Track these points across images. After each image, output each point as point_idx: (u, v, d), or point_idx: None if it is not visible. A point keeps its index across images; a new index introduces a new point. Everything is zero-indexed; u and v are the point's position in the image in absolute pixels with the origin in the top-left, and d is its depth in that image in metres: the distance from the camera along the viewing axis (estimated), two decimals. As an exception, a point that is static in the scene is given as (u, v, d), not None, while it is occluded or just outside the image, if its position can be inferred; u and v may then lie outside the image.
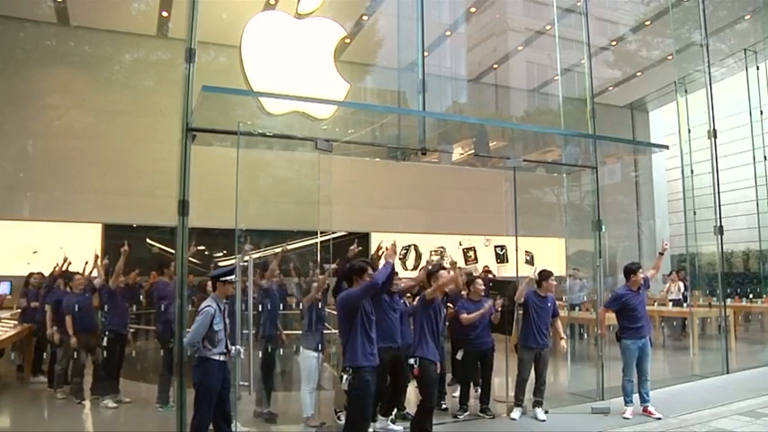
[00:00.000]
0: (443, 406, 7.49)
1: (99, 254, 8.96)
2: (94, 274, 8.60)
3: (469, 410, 7.35)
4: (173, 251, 6.99)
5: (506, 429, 6.94)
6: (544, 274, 7.56)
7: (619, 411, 7.27)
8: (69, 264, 9.09)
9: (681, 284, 14.13)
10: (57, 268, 9.29)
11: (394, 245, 5.35)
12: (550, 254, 13.86)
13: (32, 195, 13.28)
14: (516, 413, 7.22)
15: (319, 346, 6.98)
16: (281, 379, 8.17)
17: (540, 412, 7.20)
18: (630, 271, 7.50)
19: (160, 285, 8.12)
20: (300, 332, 7.34)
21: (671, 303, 13.93)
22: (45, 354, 9.39)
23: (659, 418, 7.06)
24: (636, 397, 7.37)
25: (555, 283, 7.57)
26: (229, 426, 5.54)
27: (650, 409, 7.22)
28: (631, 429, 6.80)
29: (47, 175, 13.23)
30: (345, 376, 4.79)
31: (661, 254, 8.05)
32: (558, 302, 8.23)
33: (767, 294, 15.43)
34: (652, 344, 7.51)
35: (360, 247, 7.60)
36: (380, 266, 5.18)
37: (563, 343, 7.70)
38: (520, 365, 7.32)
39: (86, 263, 8.83)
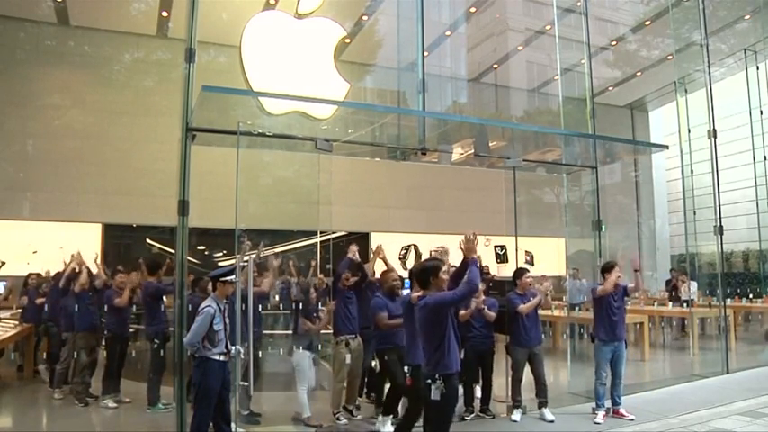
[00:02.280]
0: None
1: (98, 253, 8.93)
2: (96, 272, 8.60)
3: (475, 411, 7.33)
4: (172, 251, 7.00)
5: (507, 429, 6.94)
6: (517, 273, 7.50)
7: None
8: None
9: (694, 283, 13.88)
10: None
11: (474, 235, 4.93)
12: (550, 254, 13.88)
13: (32, 195, 13.29)
14: (517, 415, 7.18)
15: (312, 345, 6.98)
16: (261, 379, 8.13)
17: (547, 413, 7.15)
18: (604, 269, 7.40)
19: (147, 286, 8.08)
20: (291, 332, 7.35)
21: (686, 304, 13.74)
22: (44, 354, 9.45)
23: (632, 420, 7.02)
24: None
25: (530, 280, 7.37)
26: (229, 426, 5.54)
27: (621, 410, 7.15)
28: (631, 429, 6.80)
29: (47, 175, 13.24)
30: (435, 385, 4.44)
31: (636, 270, 7.50)
32: (557, 302, 8.21)
33: (767, 294, 15.43)
34: (626, 347, 7.44)
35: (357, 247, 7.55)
36: (466, 267, 4.74)
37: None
38: (513, 365, 7.30)
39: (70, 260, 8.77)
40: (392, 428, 6.29)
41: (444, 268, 4.84)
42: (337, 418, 6.90)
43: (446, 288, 4.74)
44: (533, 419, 7.18)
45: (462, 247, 4.79)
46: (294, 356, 6.95)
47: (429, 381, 4.46)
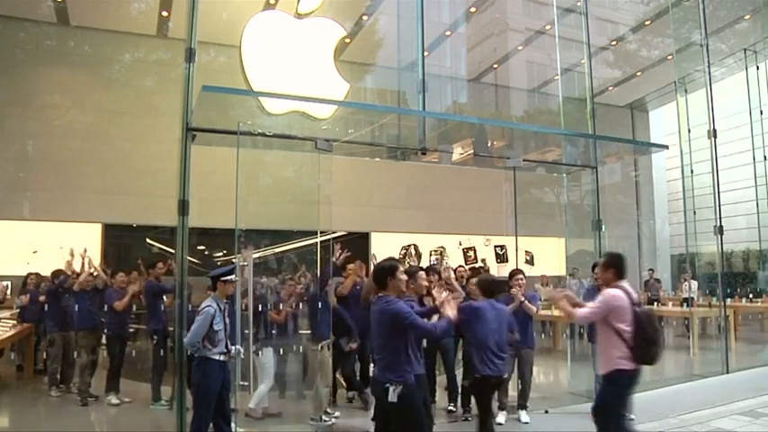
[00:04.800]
0: (450, 407, 7.46)
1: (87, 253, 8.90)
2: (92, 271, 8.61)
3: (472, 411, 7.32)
4: (173, 251, 7.00)
5: (508, 430, 6.93)
6: (510, 274, 7.45)
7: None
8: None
9: (694, 283, 13.97)
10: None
11: (445, 283, 4.98)
12: (550, 254, 13.88)
13: (32, 195, 13.29)
14: (501, 417, 7.13)
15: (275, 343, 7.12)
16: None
17: (523, 414, 7.10)
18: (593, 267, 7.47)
19: (147, 285, 8.12)
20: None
21: (685, 303, 13.81)
22: (45, 353, 9.47)
23: (632, 420, 7.03)
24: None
25: (523, 282, 7.23)
26: (229, 426, 5.53)
27: None
28: (631, 429, 6.80)
29: (47, 174, 13.24)
30: (393, 387, 4.34)
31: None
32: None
33: (767, 294, 15.44)
34: None
35: (347, 253, 7.62)
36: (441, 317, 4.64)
37: None
38: None
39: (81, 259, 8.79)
40: None
41: (402, 268, 4.68)
42: (329, 415, 6.93)
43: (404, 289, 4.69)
44: (532, 420, 7.18)
45: (438, 300, 4.74)
46: (262, 355, 6.98)
47: (387, 384, 4.35)
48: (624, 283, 4.97)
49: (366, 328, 7.19)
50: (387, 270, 4.58)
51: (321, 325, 7.14)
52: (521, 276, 7.30)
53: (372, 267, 6.39)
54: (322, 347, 7.06)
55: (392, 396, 4.32)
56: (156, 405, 7.65)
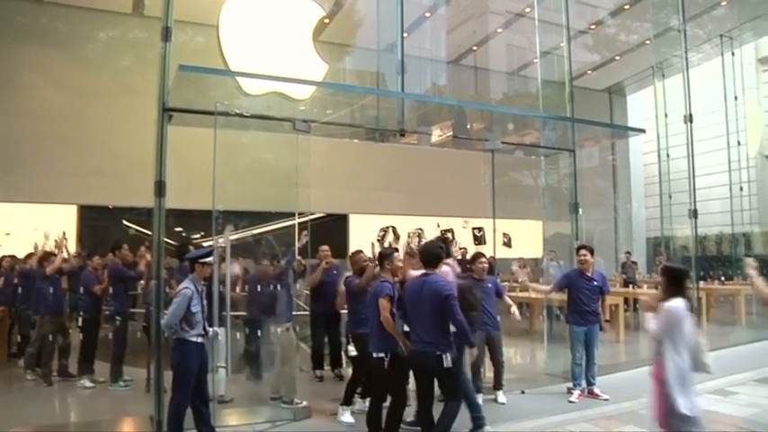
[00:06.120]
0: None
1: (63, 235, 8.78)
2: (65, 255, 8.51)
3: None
4: (149, 232, 6.95)
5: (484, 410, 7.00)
6: (473, 257, 7.51)
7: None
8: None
9: None
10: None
11: None
12: (528, 236, 13.98)
13: (5, 176, 13.01)
14: (479, 399, 7.18)
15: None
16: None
17: (500, 395, 7.17)
18: (577, 250, 7.59)
19: (112, 269, 8.06)
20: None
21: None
22: (18, 337, 9.40)
23: (606, 399, 7.18)
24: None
25: (485, 265, 7.20)
26: (207, 407, 5.53)
27: (596, 391, 7.34)
28: (605, 408, 6.93)
29: (20, 155, 12.94)
30: (445, 355, 5.03)
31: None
32: (534, 284, 8.33)
33: (738, 277, 15.74)
34: (602, 329, 7.59)
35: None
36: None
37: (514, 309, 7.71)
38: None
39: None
40: (352, 419, 6.33)
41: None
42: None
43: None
44: (509, 400, 7.25)
45: None
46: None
47: (438, 353, 5.01)
48: (450, 261, 5.92)
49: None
50: (441, 252, 5.39)
51: (285, 307, 7.16)
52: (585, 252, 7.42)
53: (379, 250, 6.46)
54: (288, 329, 7.07)
55: (447, 362, 5.03)
56: (115, 386, 7.72)
